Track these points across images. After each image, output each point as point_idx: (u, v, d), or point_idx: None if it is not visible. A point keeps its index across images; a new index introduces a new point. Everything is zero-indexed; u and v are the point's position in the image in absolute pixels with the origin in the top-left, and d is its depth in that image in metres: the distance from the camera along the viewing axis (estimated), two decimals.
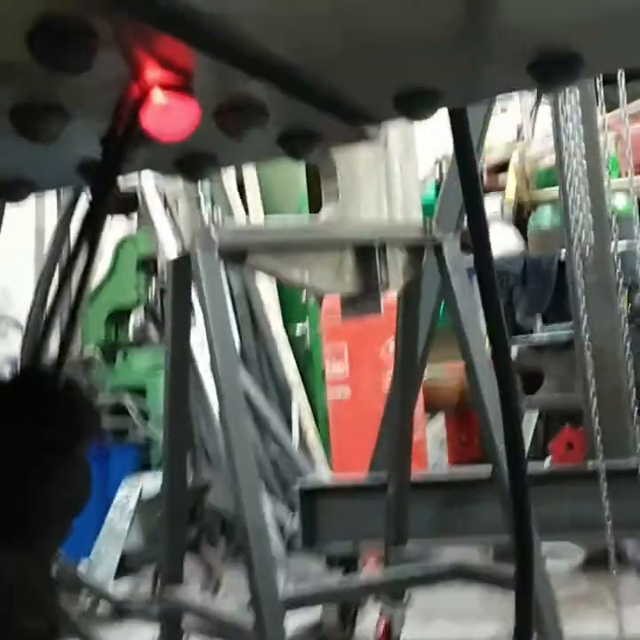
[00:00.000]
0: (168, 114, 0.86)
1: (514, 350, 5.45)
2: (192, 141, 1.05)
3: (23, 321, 6.67)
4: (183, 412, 3.54)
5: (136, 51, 0.76)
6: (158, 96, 0.84)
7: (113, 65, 0.77)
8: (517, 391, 1.38)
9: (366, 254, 3.35)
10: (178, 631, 3.46)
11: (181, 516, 3.66)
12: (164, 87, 0.84)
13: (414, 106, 1.00)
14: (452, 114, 1.35)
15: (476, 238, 1.33)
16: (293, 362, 7.45)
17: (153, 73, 0.80)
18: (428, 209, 4.52)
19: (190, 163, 1.10)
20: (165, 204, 5.60)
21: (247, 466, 3.07)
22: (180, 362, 3.45)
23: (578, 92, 3.66)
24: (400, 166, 3.51)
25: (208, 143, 1.05)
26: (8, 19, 0.69)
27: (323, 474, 6.36)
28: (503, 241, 6.27)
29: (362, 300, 3.41)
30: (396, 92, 0.98)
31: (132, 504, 5.73)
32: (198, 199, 7.18)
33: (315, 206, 6.12)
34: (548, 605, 3.30)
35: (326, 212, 3.43)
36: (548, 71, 0.94)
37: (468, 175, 1.32)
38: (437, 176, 7.13)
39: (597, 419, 3.66)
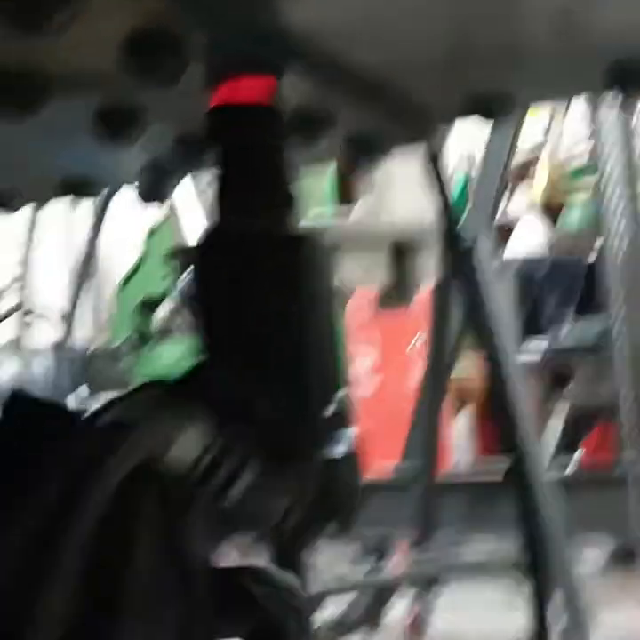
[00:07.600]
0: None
1: (539, 353, 5.42)
2: None
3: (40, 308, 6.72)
4: None
5: (224, 66, 0.78)
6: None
7: (200, 78, 0.78)
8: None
9: (401, 249, 3.38)
10: None
11: None
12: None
13: (489, 107, 1.02)
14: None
15: None
16: None
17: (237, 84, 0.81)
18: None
19: None
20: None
21: None
22: None
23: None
24: None
25: None
26: (101, 29, 0.71)
27: None
28: (532, 238, 6.23)
29: (395, 293, 3.45)
30: (472, 94, 1.00)
31: None
32: None
33: (345, 196, 6.10)
34: (573, 595, 3.30)
35: (362, 204, 3.45)
36: (623, 78, 0.96)
37: None
38: (466, 168, 7.11)
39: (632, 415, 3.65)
